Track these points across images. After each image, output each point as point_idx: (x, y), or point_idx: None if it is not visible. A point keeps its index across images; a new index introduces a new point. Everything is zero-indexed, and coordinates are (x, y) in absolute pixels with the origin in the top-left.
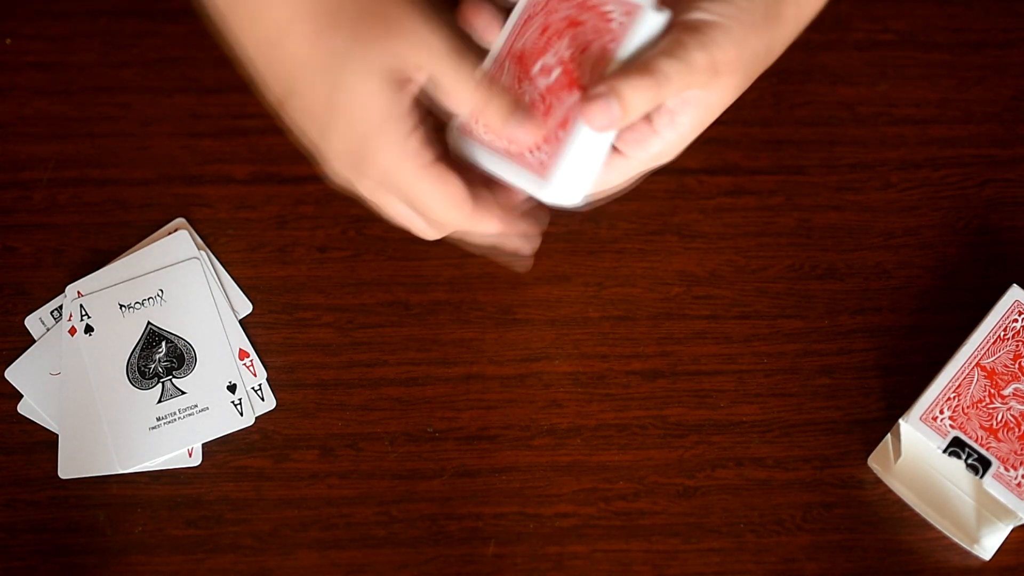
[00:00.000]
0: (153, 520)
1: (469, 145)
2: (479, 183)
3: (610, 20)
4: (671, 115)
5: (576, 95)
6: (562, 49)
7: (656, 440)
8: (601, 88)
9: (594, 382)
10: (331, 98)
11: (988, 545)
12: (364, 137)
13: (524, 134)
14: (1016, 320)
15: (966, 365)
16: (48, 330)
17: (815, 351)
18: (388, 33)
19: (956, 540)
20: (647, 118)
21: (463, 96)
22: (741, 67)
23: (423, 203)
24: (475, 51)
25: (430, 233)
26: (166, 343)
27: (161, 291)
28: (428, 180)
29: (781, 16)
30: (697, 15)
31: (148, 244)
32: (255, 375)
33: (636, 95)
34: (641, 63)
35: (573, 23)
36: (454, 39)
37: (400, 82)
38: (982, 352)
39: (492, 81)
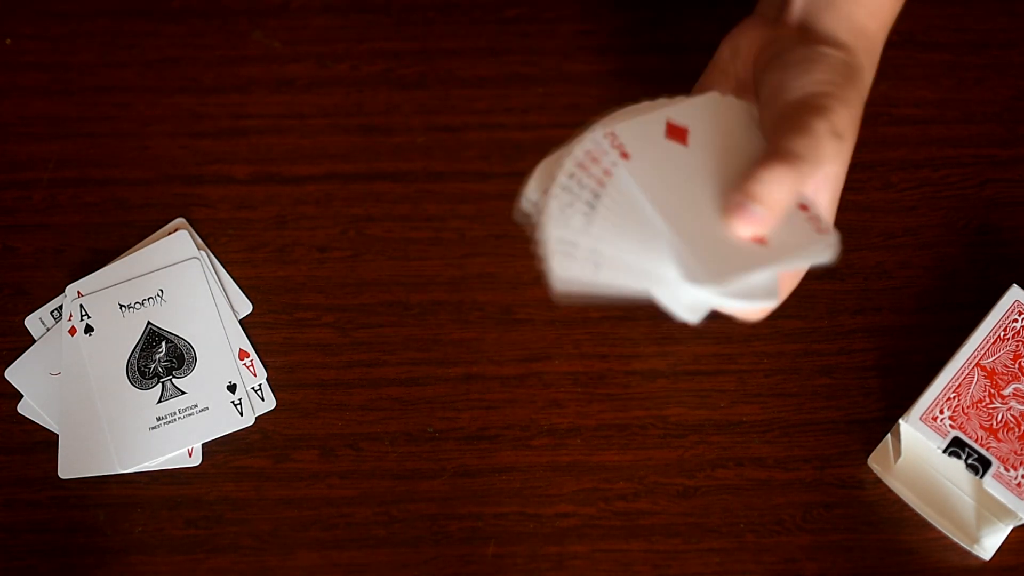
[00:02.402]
0: (153, 520)
1: None
2: None
3: None
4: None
5: None
6: None
7: (656, 440)
8: (737, 197)
9: (594, 382)
10: None
11: (988, 545)
12: None
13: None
14: (1016, 320)
15: (966, 365)
16: (48, 330)
17: (815, 351)
18: None
19: (956, 540)
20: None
21: None
22: (853, 126)
23: None
24: None
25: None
26: (166, 343)
27: (161, 291)
28: None
29: (862, 70)
30: (805, 90)
31: (148, 244)
32: (255, 375)
33: (774, 189)
34: (770, 151)
35: None
36: None
37: None
38: (982, 352)
39: None
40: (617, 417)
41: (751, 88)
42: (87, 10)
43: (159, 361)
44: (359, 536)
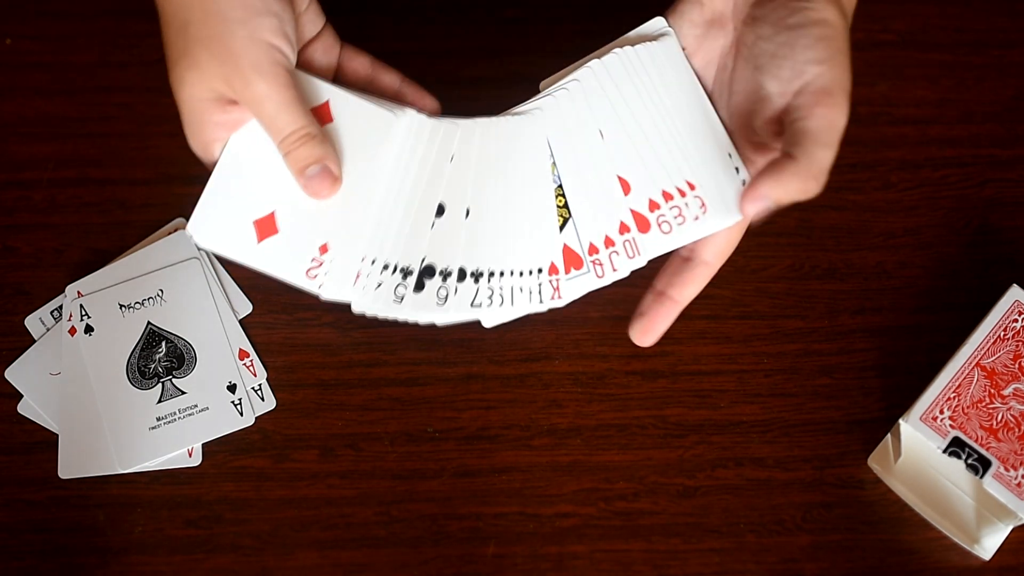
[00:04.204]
0: (153, 520)
1: None
2: None
3: None
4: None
5: None
6: None
7: (656, 440)
8: (762, 190)
9: (594, 382)
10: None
11: (988, 545)
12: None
13: (318, 189)
14: (1016, 320)
15: (966, 365)
16: (48, 330)
17: (815, 351)
18: (219, 60)
19: (956, 540)
20: None
21: (273, 136)
22: (847, 95)
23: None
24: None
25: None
26: (166, 343)
27: (161, 291)
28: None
29: (847, 18)
30: (805, 80)
31: (148, 244)
32: (255, 375)
33: (781, 193)
34: (798, 155)
35: None
36: (290, 88)
37: (221, 101)
38: (982, 352)
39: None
40: (617, 417)
41: (726, 22)
42: (87, 10)
43: (159, 361)
44: (359, 536)
